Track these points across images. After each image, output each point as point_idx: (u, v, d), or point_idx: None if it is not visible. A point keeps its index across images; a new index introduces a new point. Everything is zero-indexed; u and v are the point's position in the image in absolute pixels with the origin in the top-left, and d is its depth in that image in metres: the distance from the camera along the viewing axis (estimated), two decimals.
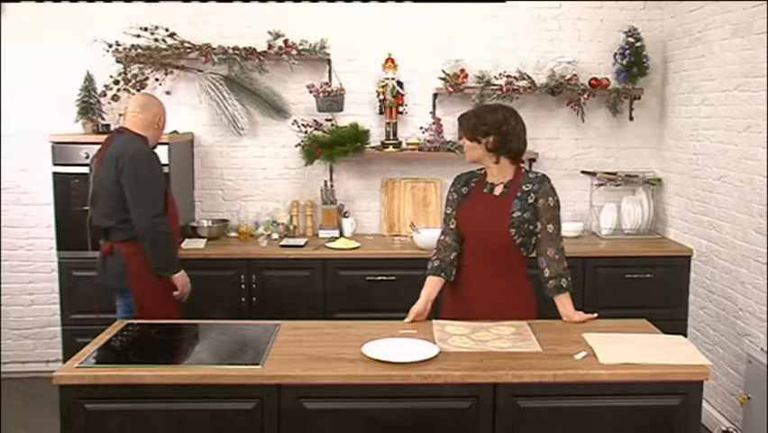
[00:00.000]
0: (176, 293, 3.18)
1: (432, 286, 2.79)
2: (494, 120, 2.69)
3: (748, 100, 3.47)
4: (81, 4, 4.27)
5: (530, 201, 2.71)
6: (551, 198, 2.73)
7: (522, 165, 2.81)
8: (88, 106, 4.22)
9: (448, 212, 2.86)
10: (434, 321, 2.63)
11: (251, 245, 4.19)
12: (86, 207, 3.97)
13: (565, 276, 2.71)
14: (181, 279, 3.18)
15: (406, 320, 2.68)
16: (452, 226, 2.83)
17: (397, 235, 4.48)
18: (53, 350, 4.43)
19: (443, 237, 2.86)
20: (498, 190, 2.75)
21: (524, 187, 2.73)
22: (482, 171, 2.83)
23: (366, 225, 4.58)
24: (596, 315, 2.71)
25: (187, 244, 4.11)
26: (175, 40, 4.24)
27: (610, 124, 4.56)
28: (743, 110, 3.52)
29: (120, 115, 4.16)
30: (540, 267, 2.73)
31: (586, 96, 4.33)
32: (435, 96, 4.45)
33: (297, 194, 4.53)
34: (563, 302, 2.71)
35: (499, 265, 2.73)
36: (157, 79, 4.31)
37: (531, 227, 2.70)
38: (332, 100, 4.26)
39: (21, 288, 4.50)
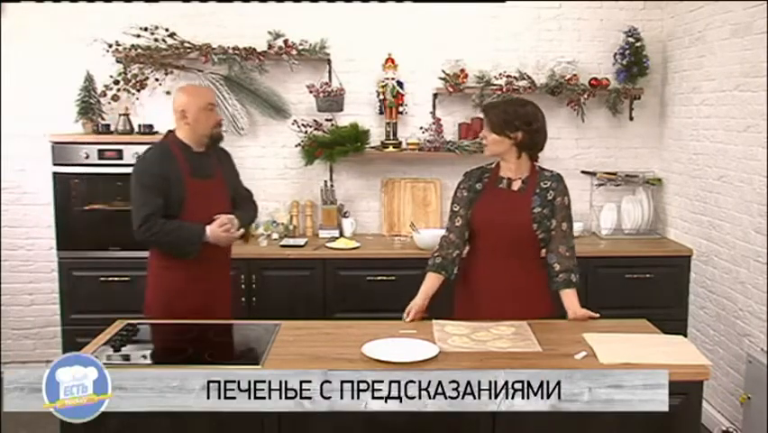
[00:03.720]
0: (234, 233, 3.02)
1: (431, 282, 2.79)
2: (525, 115, 2.70)
3: (748, 100, 3.47)
4: (81, 4, 4.27)
5: (549, 198, 2.73)
6: (566, 197, 2.77)
7: (536, 161, 2.83)
8: (88, 106, 4.22)
9: (455, 209, 2.84)
10: (434, 321, 2.63)
11: (251, 245, 4.18)
12: (86, 207, 4.02)
13: (575, 272, 2.74)
14: (214, 239, 2.94)
15: (405, 317, 2.68)
16: (458, 224, 2.82)
17: (397, 235, 4.48)
18: (53, 350, 4.43)
19: (447, 234, 2.85)
20: (516, 186, 2.75)
21: (542, 184, 2.75)
22: (492, 166, 2.83)
23: (366, 225, 4.58)
24: (598, 315, 2.71)
25: None
26: (175, 40, 4.24)
27: (610, 124, 4.56)
28: (743, 110, 3.52)
29: (120, 115, 4.16)
30: (550, 262, 2.76)
31: (586, 96, 4.34)
32: (435, 96, 4.45)
33: (297, 194, 4.52)
34: (570, 297, 2.73)
35: (520, 261, 2.74)
36: (157, 79, 4.31)
37: (548, 224, 2.72)
38: (332, 100, 4.26)
39: (21, 288, 4.49)
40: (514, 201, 2.73)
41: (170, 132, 3.09)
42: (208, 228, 2.92)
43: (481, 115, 4.29)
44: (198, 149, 3.04)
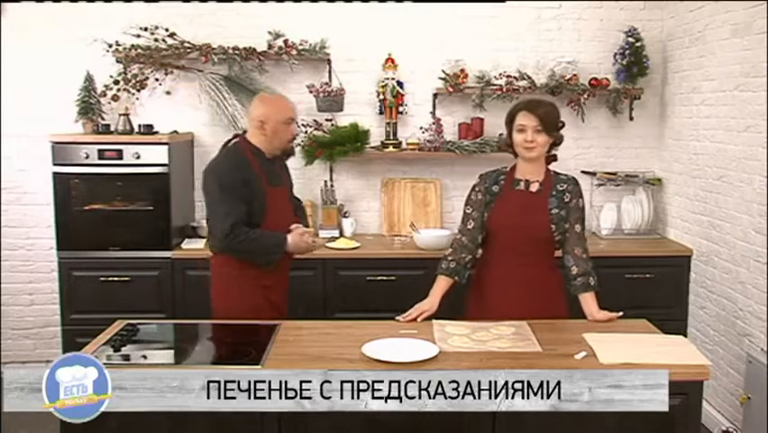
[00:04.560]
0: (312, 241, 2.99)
1: (443, 285, 2.79)
2: (558, 113, 2.73)
3: (748, 100, 3.47)
4: (81, 4, 4.26)
5: (566, 200, 2.74)
6: (581, 200, 2.79)
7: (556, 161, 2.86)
8: (88, 106, 4.22)
9: (468, 212, 2.83)
10: (434, 321, 2.63)
11: None
12: (86, 207, 4.01)
13: (592, 275, 2.75)
14: (294, 248, 2.92)
15: (407, 315, 2.68)
16: (470, 227, 2.81)
17: (397, 235, 4.48)
18: (53, 350, 4.43)
19: (459, 237, 2.85)
20: (534, 187, 2.76)
21: (558, 186, 2.76)
22: (507, 169, 2.83)
23: (366, 225, 4.58)
24: (621, 313, 2.72)
25: (187, 244, 4.11)
26: (175, 40, 4.24)
27: (610, 124, 4.56)
28: (743, 110, 3.52)
29: (120, 115, 4.16)
30: (567, 265, 2.77)
31: (586, 96, 4.34)
32: (435, 96, 4.45)
33: (297, 194, 4.51)
34: (588, 301, 2.74)
35: (535, 260, 2.74)
36: (157, 79, 4.31)
37: (565, 225, 2.73)
38: (332, 100, 4.26)
39: (21, 288, 4.49)
40: (532, 202, 2.74)
41: (239, 135, 3.01)
42: (289, 237, 2.88)
43: (482, 116, 4.37)
44: (269, 156, 2.99)
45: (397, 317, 2.69)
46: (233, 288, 2.93)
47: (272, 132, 2.92)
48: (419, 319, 2.68)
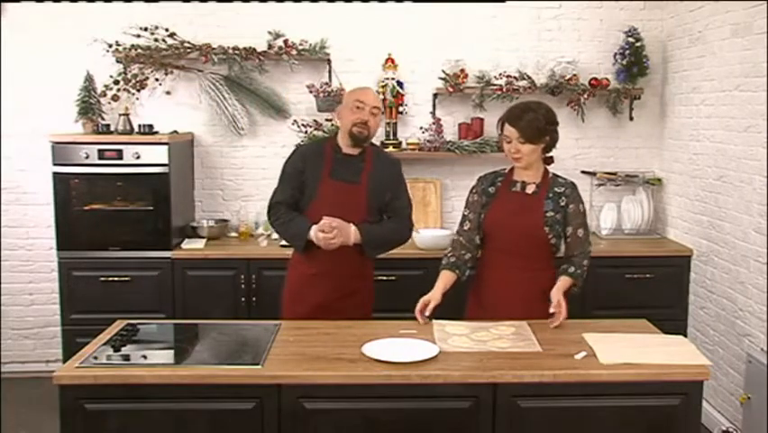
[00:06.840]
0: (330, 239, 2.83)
1: (446, 279, 2.80)
2: (547, 115, 2.71)
3: (748, 100, 3.47)
4: (81, 4, 4.27)
5: (561, 204, 2.74)
6: (581, 205, 2.79)
7: (552, 162, 2.86)
8: (88, 106, 4.22)
9: (465, 213, 2.86)
10: (434, 321, 2.64)
11: (251, 245, 4.19)
12: (86, 207, 4.01)
13: (576, 265, 2.74)
14: (316, 241, 2.84)
15: (419, 311, 2.66)
16: (467, 228, 2.84)
17: None
18: (53, 350, 4.43)
19: (457, 237, 2.88)
20: (530, 189, 2.77)
21: (555, 189, 2.77)
22: (506, 171, 2.84)
23: None
24: (564, 316, 2.61)
25: (187, 244, 4.11)
26: (175, 40, 4.24)
27: (610, 124, 4.56)
28: (743, 110, 3.52)
29: (120, 115, 4.16)
30: (563, 265, 2.78)
31: (586, 96, 4.34)
32: (435, 96, 4.45)
33: None
34: (558, 283, 2.69)
35: (531, 262, 2.75)
36: (157, 79, 4.31)
37: (560, 229, 2.74)
38: (332, 100, 4.25)
39: (21, 288, 4.49)
40: (527, 203, 2.74)
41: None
42: (312, 229, 2.84)
43: (482, 116, 4.37)
44: (349, 150, 2.95)
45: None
46: (290, 275, 3.09)
47: (340, 116, 2.98)
48: (427, 312, 2.65)
